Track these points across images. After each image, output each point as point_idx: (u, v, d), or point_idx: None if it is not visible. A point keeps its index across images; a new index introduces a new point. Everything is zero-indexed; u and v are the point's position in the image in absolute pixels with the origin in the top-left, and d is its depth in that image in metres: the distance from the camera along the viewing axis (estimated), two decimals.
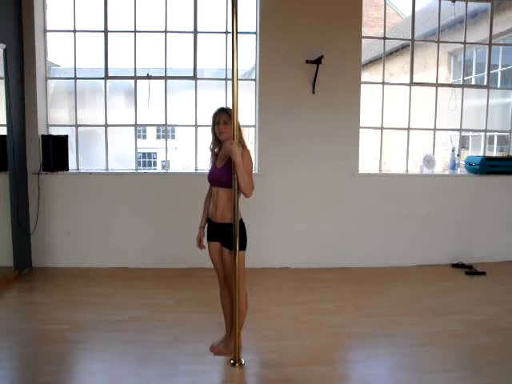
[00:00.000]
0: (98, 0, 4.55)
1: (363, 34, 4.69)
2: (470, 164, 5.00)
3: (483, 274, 4.51)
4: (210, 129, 2.77)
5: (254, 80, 4.71)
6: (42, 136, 4.49)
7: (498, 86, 5.43)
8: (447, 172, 5.14)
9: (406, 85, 4.97)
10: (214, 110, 2.73)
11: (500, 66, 5.41)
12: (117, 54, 4.73)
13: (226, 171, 2.63)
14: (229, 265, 2.70)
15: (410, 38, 4.91)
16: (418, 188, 4.83)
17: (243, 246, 2.70)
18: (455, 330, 3.23)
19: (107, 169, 4.77)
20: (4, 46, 3.98)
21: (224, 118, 2.65)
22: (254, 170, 4.72)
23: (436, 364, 2.76)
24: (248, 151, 2.65)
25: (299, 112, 4.57)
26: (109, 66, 4.65)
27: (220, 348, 2.86)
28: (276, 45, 4.51)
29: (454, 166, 5.05)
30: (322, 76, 4.48)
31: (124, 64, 4.76)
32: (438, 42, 5.01)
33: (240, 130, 2.66)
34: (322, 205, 4.69)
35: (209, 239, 2.82)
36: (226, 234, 2.68)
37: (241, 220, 2.69)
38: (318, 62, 4.41)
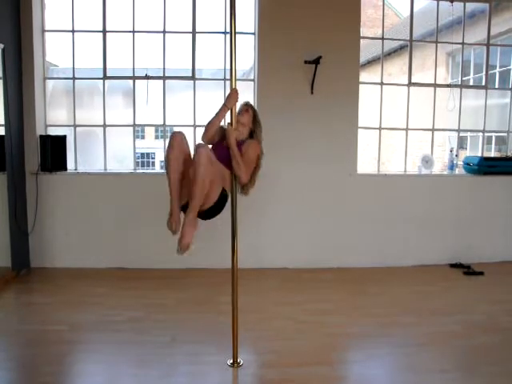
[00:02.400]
0: (97, 0, 4.54)
1: (361, 35, 4.70)
2: (468, 164, 5.01)
3: (481, 274, 4.52)
4: None
5: (253, 80, 4.71)
6: (41, 136, 4.48)
7: (496, 86, 5.44)
8: (445, 172, 5.15)
9: (405, 85, 4.98)
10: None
11: (498, 67, 5.43)
12: (115, 54, 4.72)
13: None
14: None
15: (409, 38, 4.92)
16: (416, 188, 4.84)
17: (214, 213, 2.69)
18: (453, 330, 3.24)
19: (105, 169, 4.76)
20: (2, 45, 3.97)
21: (250, 112, 2.76)
22: None
23: (434, 364, 2.77)
24: (256, 143, 2.72)
25: (298, 112, 4.57)
26: (107, 66, 4.65)
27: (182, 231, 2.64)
28: (274, 45, 4.51)
29: (452, 167, 5.06)
30: (321, 76, 4.49)
31: (122, 64, 4.75)
32: (437, 42, 5.01)
33: (259, 127, 2.77)
34: (321, 205, 4.69)
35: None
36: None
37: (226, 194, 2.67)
38: (316, 62, 4.41)
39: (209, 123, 2.69)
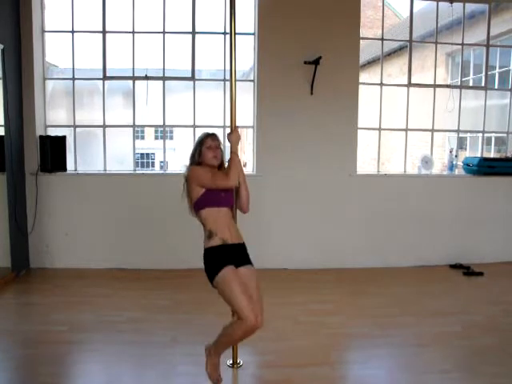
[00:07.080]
0: (97, 0, 4.55)
1: (361, 35, 4.71)
2: (467, 165, 5.01)
3: (481, 274, 4.53)
4: (206, 129, 2.74)
5: (253, 81, 4.71)
6: (40, 137, 4.48)
7: (496, 87, 5.45)
8: (445, 173, 5.16)
9: (404, 86, 4.98)
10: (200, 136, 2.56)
11: (497, 68, 5.43)
12: (115, 54, 4.73)
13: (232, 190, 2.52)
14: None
15: (408, 39, 4.93)
16: (415, 189, 4.84)
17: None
18: (453, 331, 3.24)
19: (105, 169, 4.76)
20: (2, 46, 3.97)
21: (217, 143, 2.52)
22: (253, 170, 4.73)
23: (434, 364, 2.77)
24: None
25: (297, 113, 4.57)
26: (107, 67, 4.65)
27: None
28: (274, 46, 4.52)
29: (451, 167, 5.06)
30: (321, 77, 4.49)
31: (122, 64, 4.75)
32: (436, 43, 5.02)
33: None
34: (320, 206, 4.69)
35: (227, 264, 2.43)
36: (245, 251, 2.64)
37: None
38: (316, 62, 4.42)
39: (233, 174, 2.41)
